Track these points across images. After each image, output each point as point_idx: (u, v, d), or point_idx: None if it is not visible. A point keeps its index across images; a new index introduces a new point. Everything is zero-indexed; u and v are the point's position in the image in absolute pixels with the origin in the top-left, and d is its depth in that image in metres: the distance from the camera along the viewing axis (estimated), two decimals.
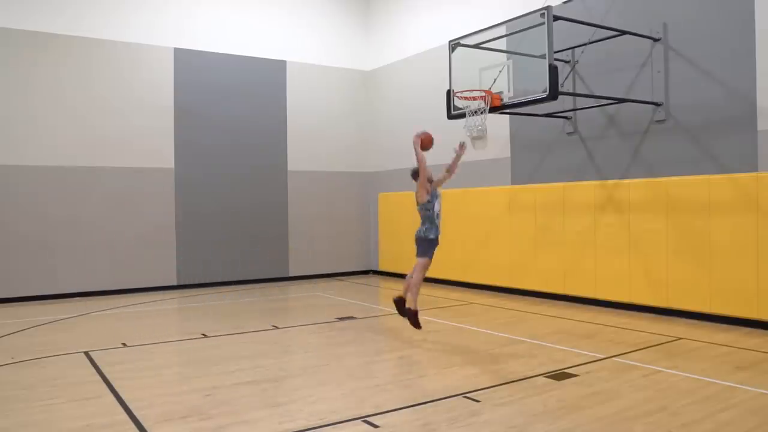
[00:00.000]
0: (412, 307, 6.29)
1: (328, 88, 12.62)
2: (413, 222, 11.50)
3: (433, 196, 6.41)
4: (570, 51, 8.48)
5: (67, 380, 5.03)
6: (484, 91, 7.70)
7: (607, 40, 7.86)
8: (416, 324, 6.28)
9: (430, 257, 6.43)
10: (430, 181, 6.41)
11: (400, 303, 6.67)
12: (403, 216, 11.92)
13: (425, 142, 6.40)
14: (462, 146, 6.40)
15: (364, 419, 3.96)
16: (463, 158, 10.61)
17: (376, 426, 3.84)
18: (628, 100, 7.68)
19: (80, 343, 6.49)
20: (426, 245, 6.40)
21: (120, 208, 10.37)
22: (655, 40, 7.61)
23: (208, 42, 11.29)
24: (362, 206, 13.04)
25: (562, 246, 8.71)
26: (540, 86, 6.91)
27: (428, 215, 6.43)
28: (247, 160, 11.63)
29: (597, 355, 5.61)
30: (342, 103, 12.83)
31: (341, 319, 7.79)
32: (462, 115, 8.03)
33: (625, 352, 5.71)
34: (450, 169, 6.48)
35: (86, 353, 5.97)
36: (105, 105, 10.31)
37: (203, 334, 6.89)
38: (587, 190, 8.39)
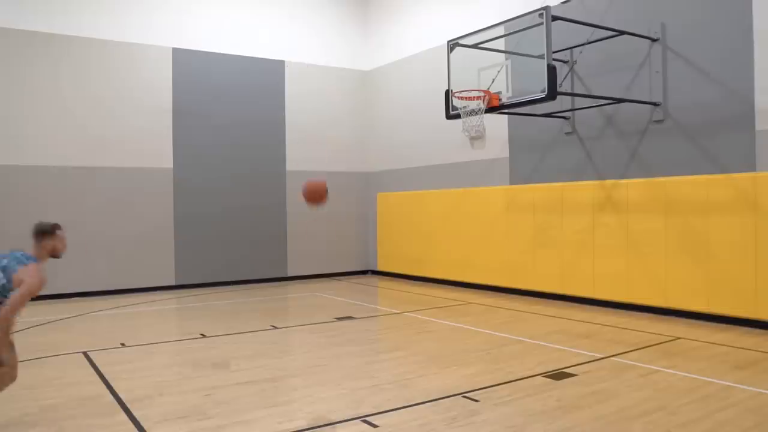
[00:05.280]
0: None
1: (327, 88, 12.61)
2: (412, 222, 11.56)
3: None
4: (568, 51, 8.48)
5: (66, 380, 5.03)
6: (483, 91, 7.71)
7: (606, 41, 7.87)
8: None
9: None
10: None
11: None
12: (401, 216, 11.93)
13: (312, 197, 4.81)
14: None
15: (363, 419, 3.96)
16: (463, 158, 10.72)
17: (375, 426, 3.84)
18: (626, 100, 7.69)
19: (79, 343, 6.48)
20: None
21: (118, 208, 10.36)
22: (654, 40, 7.62)
23: (207, 42, 11.28)
24: (361, 206, 13.04)
25: (560, 246, 8.71)
26: (538, 86, 6.91)
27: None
28: (246, 160, 11.62)
29: (595, 354, 5.62)
30: (341, 103, 12.83)
31: (340, 319, 7.79)
32: (460, 115, 8.03)
33: (623, 351, 5.72)
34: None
35: (85, 353, 5.97)
36: (103, 105, 10.30)
37: (202, 335, 6.89)
38: (586, 190, 8.40)
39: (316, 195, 4.75)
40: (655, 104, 7.61)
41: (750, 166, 6.73)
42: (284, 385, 4.90)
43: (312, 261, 12.33)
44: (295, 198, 12.13)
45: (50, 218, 10.56)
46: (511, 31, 7.77)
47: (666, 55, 7.55)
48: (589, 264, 8.33)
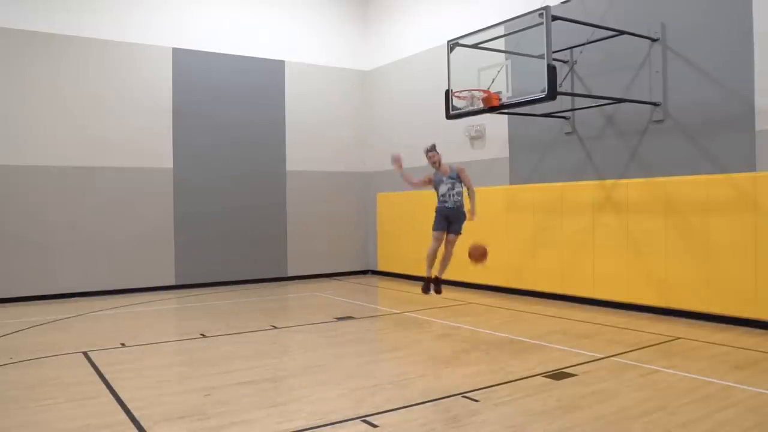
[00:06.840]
0: (428, 275, 7.23)
1: (327, 88, 12.61)
2: (411, 222, 11.55)
3: (437, 182, 7.23)
4: (568, 51, 8.48)
5: (65, 380, 5.03)
6: (483, 91, 7.71)
7: (606, 40, 7.87)
8: (426, 288, 7.20)
9: (435, 228, 7.16)
10: (429, 181, 7.38)
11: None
12: (401, 216, 11.92)
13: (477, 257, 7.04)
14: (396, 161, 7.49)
15: (363, 419, 3.96)
16: (463, 158, 10.70)
17: (375, 426, 3.84)
18: (626, 100, 7.69)
19: (79, 343, 6.48)
20: (435, 217, 7.21)
21: (118, 208, 10.36)
22: (654, 40, 7.62)
23: (207, 42, 11.28)
24: (361, 206, 13.04)
25: (560, 246, 8.71)
26: (538, 86, 6.90)
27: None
28: (246, 160, 11.62)
29: (595, 354, 5.62)
30: (341, 103, 12.83)
31: (340, 319, 7.79)
32: (460, 115, 8.03)
33: (623, 351, 5.72)
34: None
35: (85, 353, 5.97)
36: (103, 105, 10.30)
37: (202, 334, 6.89)
38: (586, 190, 8.40)
39: (478, 254, 6.93)
40: (655, 104, 7.62)
41: (750, 166, 6.74)
42: (284, 385, 4.90)
43: (312, 261, 12.33)
44: (295, 198, 12.14)
45: (49, 218, 10.64)
46: (511, 31, 7.76)
47: (666, 55, 7.55)
48: (589, 264, 8.33)
